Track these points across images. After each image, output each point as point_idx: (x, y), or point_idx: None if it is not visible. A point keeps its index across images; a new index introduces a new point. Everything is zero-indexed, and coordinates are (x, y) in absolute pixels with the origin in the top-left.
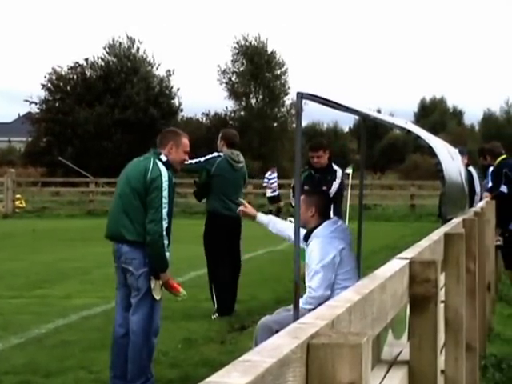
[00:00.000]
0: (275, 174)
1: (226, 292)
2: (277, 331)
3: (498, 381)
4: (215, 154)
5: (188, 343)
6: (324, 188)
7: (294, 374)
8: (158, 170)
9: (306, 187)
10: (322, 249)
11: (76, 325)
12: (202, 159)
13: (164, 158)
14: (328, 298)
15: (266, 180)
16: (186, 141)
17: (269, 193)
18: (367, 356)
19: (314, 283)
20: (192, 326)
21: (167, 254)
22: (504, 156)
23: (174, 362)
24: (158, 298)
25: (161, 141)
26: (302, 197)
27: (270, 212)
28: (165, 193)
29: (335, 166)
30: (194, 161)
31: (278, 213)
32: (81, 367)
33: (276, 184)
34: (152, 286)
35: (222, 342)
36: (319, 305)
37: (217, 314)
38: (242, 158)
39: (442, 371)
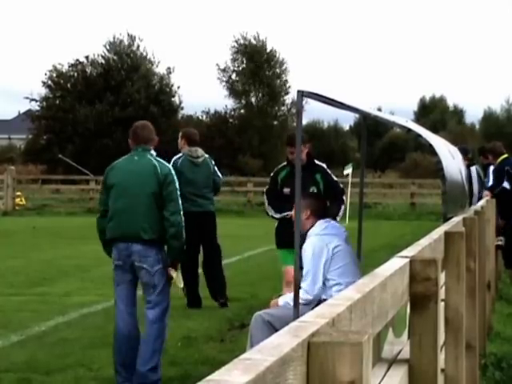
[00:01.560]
0: None
1: (194, 286)
2: (268, 322)
3: (498, 379)
4: (175, 157)
5: (188, 341)
6: (313, 189)
7: (294, 372)
8: (165, 165)
9: (286, 189)
10: (314, 247)
11: (76, 322)
12: None
13: (154, 153)
14: (320, 299)
15: None
16: None
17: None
18: (368, 354)
19: (306, 285)
20: (192, 324)
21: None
22: (506, 155)
23: (173, 360)
24: (181, 285)
25: (143, 136)
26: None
27: None
28: (177, 185)
29: (318, 162)
30: None
31: None
32: (81, 365)
33: None
34: (174, 276)
35: (222, 340)
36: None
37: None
38: (201, 152)
39: (442, 370)
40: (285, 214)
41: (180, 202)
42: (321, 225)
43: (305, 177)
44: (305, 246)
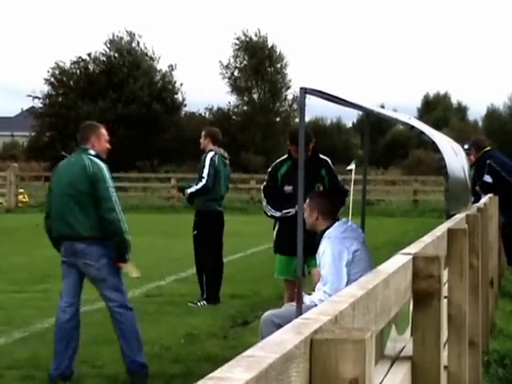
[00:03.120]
0: None
1: (216, 283)
2: (279, 324)
3: (500, 377)
4: (210, 154)
5: (191, 338)
6: (319, 186)
7: (297, 369)
8: (96, 163)
9: (287, 187)
10: (333, 249)
11: None
12: (206, 170)
13: (93, 152)
14: None
15: None
16: (104, 131)
17: None
18: (370, 352)
19: (328, 288)
20: (194, 321)
21: (129, 236)
22: (488, 148)
23: (176, 357)
24: (138, 275)
25: (82, 136)
26: (307, 201)
27: None
28: (110, 183)
29: (322, 156)
30: (203, 181)
31: None
32: (83, 362)
33: None
34: (125, 270)
35: (225, 337)
36: None
37: (205, 302)
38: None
39: (445, 367)
40: (287, 211)
41: (114, 199)
42: (340, 226)
43: (310, 172)
44: (323, 248)
